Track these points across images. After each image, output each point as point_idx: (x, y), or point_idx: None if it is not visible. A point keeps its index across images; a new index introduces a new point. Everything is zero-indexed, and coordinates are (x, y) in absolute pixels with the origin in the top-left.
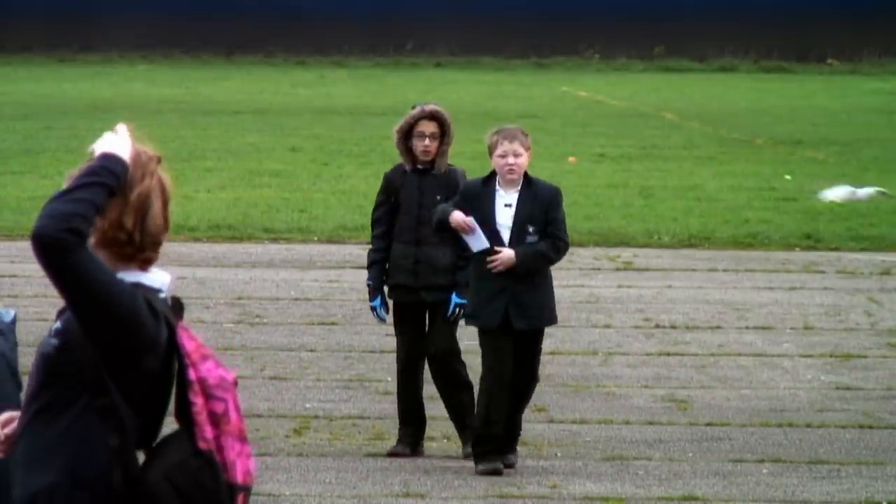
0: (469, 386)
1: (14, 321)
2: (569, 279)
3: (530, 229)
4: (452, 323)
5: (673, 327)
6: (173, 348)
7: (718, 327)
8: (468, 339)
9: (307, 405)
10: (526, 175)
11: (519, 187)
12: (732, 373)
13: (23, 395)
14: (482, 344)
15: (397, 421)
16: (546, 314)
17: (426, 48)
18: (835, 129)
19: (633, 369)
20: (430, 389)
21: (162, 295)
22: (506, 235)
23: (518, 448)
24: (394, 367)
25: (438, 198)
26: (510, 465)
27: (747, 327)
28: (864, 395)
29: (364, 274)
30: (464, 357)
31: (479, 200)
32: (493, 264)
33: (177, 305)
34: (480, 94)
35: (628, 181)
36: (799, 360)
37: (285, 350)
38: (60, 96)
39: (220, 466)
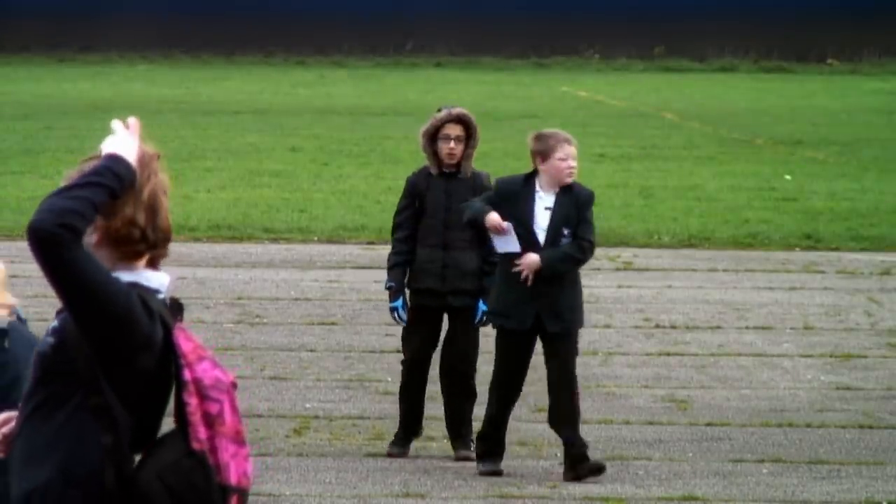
0: (475, 395)
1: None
2: None
3: (565, 232)
4: (475, 329)
5: (673, 327)
6: (170, 348)
7: (718, 327)
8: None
9: (307, 405)
10: None
11: (558, 190)
12: (732, 373)
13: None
14: (502, 345)
15: (397, 421)
16: (578, 316)
17: (426, 48)
18: (835, 129)
19: (633, 369)
20: (430, 389)
21: (161, 295)
22: (541, 237)
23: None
24: (394, 367)
25: (466, 202)
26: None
27: (747, 327)
28: (864, 395)
29: (364, 274)
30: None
31: (516, 200)
32: (519, 269)
33: (175, 306)
34: (480, 94)
35: (628, 181)
36: (799, 360)
37: (285, 350)
38: (60, 96)
39: (212, 467)
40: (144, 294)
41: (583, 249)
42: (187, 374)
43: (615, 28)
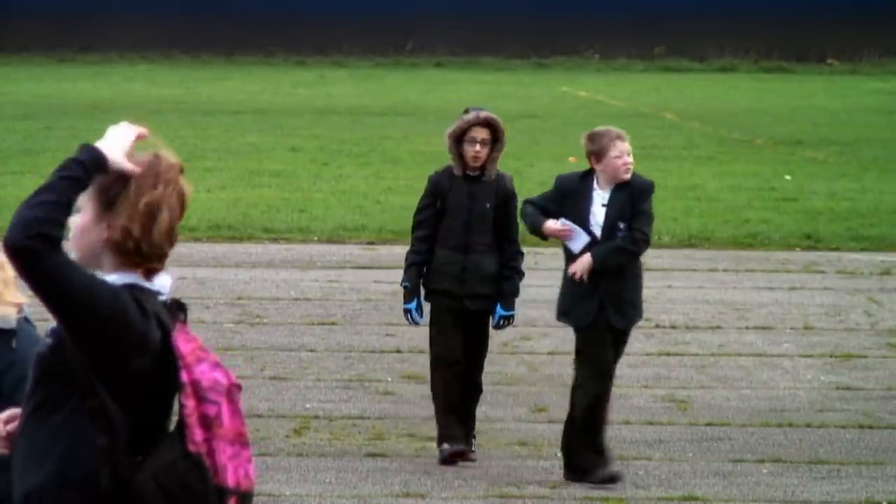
0: (480, 391)
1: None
2: None
3: (620, 226)
4: (488, 332)
5: (673, 327)
6: (168, 350)
7: (718, 327)
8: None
9: (307, 405)
10: None
11: (614, 186)
12: (732, 373)
13: None
14: (582, 344)
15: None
16: (639, 310)
17: (426, 48)
18: (835, 129)
19: (633, 369)
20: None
21: (162, 297)
22: (598, 233)
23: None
24: (394, 367)
25: (488, 205)
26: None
27: (747, 327)
28: (864, 395)
29: (364, 274)
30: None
31: (575, 197)
32: (572, 272)
33: (176, 307)
34: (480, 94)
35: None
36: (799, 360)
37: (285, 350)
38: (60, 96)
39: (208, 469)
40: (140, 295)
41: (635, 241)
42: (185, 376)
43: (615, 28)
